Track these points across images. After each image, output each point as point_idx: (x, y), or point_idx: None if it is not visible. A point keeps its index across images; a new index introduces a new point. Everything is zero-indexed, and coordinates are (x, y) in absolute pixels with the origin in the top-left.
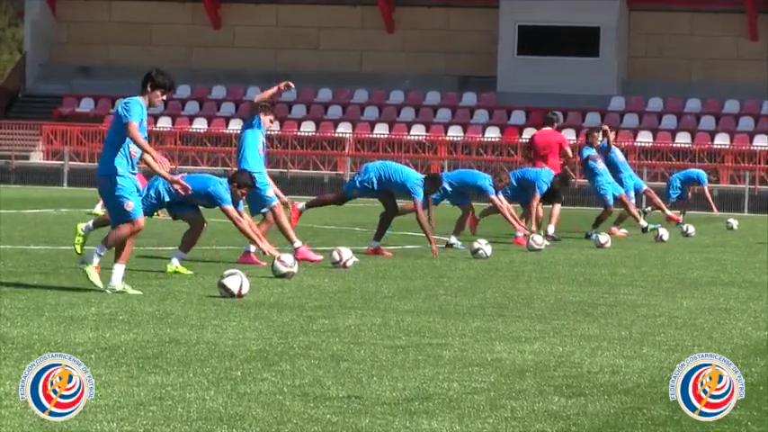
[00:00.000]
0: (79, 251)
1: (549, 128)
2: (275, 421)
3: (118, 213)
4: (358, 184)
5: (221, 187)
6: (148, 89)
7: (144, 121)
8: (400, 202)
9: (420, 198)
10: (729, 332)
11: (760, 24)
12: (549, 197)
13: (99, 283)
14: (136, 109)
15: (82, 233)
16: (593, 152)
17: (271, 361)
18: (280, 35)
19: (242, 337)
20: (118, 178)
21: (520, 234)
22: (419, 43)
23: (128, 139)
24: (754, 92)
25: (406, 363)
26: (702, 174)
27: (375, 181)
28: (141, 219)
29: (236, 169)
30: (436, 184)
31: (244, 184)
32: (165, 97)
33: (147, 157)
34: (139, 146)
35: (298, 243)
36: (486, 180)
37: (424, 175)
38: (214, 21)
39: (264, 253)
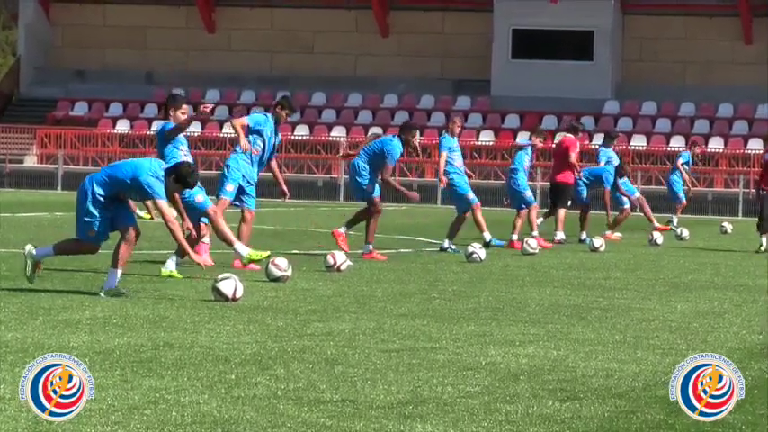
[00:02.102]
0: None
1: (570, 135)
2: (269, 425)
3: (83, 230)
4: (361, 180)
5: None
6: (171, 178)
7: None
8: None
9: (393, 162)
10: (724, 336)
11: (754, 28)
12: (555, 202)
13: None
14: (160, 188)
15: None
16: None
17: (265, 365)
18: (274, 39)
19: (236, 340)
20: (89, 203)
21: (514, 237)
22: (413, 47)
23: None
24: (749, 95)
25: (401, 366)
26: (686, 154)
27: (367, 166)
28: (98, 246)
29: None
30: (409, 128)
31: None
32: (176, 191)
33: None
34: (166, 220)
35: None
36: (442, 138)
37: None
38: (208, 25)
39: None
